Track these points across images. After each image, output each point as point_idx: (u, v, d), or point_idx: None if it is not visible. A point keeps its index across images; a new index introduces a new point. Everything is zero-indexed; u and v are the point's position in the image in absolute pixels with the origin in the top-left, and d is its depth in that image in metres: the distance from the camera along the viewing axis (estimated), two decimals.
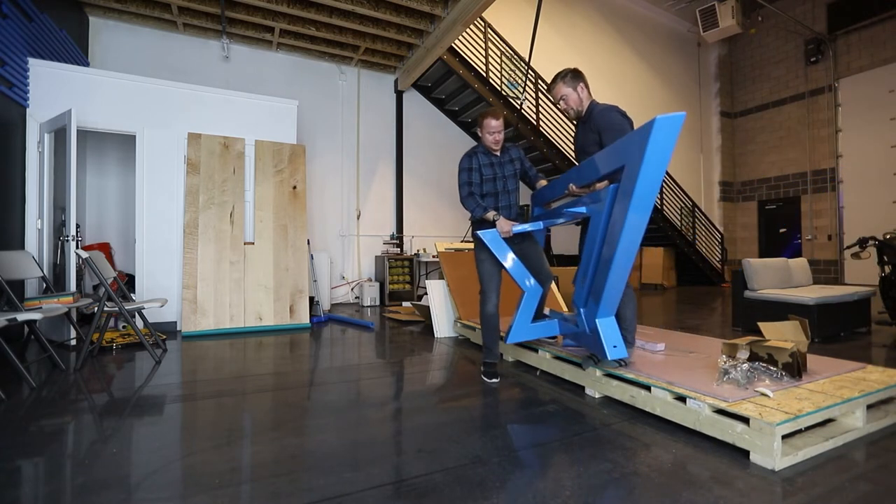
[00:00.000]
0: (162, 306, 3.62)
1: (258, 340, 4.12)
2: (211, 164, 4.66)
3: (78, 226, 4.26)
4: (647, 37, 10.46)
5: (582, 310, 2.30)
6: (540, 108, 7.61)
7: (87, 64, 5.34)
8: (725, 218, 11.37)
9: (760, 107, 11.01)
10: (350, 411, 2.30)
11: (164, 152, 4.61)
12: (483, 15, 6.62)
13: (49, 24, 4.40)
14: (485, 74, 7.00)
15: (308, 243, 5.19)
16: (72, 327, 3.73)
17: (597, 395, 2.43)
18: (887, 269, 4.19)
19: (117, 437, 1.97)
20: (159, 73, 5.58)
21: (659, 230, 8.83)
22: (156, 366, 3.18)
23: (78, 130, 3.87)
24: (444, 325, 4.28)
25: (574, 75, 2.50)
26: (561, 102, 2.53)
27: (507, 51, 7.49)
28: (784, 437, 1.73)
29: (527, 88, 7.27)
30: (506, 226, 2.65)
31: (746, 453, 1.72)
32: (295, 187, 5.04)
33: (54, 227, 4.02)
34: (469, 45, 6.98)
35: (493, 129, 2.76)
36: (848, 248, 4.78)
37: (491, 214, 2.70)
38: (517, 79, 7.64)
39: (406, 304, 6.25)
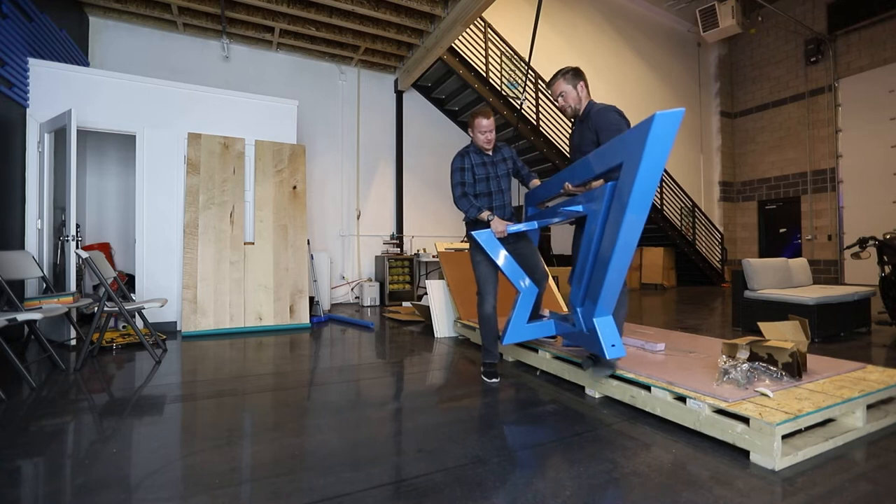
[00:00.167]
0: (162, 306, 3.62)
1: (258, 340, 4.12)
2: (211, 164, 4.66)
3: (78, 226, 4.26)
4: (647, 37, 10.45)
5: (579, 309, 2.29)
6: (540, 108, 7.61)
7: (87, 64, 5.34)
8: (725, 218, 11.37)
9: (760, 107, 11.01)
10: (350, 411, 2.30)
11: (164, 152, 4.61)
12: (483, 15, 6.62)
13: (49, 24, 4.40)
14: (485, 74, 7.00)
15: (308, 243, 5.19)
16: (72, 327, 3.73)
17: (597, 396, 2.43)
18: (887, 269, 4.19)
19: (117, 437, 1.97)
20: (159, 73, 5.58)
21: (659, 230, 8.83)
22: (156, 366, 3.18)
23: (78, 130, 3.87)
24: (444, 325, 4.28)
25: (575, 73, 2.50)
26: (559, 99, 2.53)
27: (507, 51, 7.49)
28: (784, 437, 1.73)
29: (527, 88, 7.26)
30: (500, 226, 2.63)
31: (746, 453, 1.72)
32: (295, 187, 5.04)
33: (54, 227, 4.02)
34: (469, 45, 6.98)
35: (485, 129, 2.75)
36: (848, 248, 4.78)
37: (485, 215, 2.68)
38: (517, 79, 7.64)
39: (406, 304, 6.25)
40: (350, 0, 5.36)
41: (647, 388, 2.17)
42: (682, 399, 2.01)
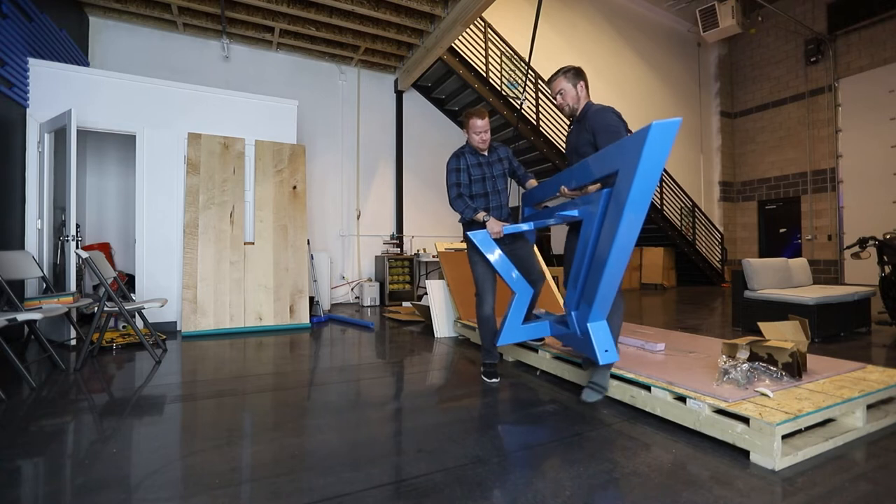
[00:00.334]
0: (162, 306, 3.62)
1: (258, 340, 4.12)
2: (211, 164, 4.66)
3: (78, 226, 4.26)
4: (647, 37, 10.45)
5: (573, 313, 2.29)
6: (540, 108, 7.61)
7: (87, 64, 5.34)
8: (725, 218, 11.37)
9: (760, 107, 11.01)
10: (350, 411, 2.30)
11: (164, 152, 4.61)
12: (483, 15, 6.62)
13: (49, 24, 4.40)
14: (485, 74, 7.00)
15: (308, 243, 5.19)
16: (72, 327, 3.73)
17: None
18: (887, 269, 4.19)
19: (117, 437, 1.97)
20: (159, 73, 5.58)
21: (659, 230, 8.83)
22: (156, 366, 3.18)
23: (78, 130, 3.87)
24: (444, 325, 4.28)
25: (576, 73, 2.49)
26: (558, 97, 2.52)
27: (507, 51, 7.49)
28: (784, 437, 1.73)
29: (527, 88, 7.26)
30: (496, 226, 2.62)
31: (746, 453, 1.72)
32: (295, 187, 5.04)
33: (54, 227, 4.02)
34: (469, 45, 6.98)
35: (480, 129, 2.73)
36: (848, 248, 4.78)
37: (481, 215, 2.67)
38: (517, 79, 7.64)
39: (406, 304, 6.25)
40: (350, 0, 5.37)
41: (647, 388, 2.17)
42: (682, 399, 2.01)
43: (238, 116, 4.96)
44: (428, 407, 2.36)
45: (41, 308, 2.99)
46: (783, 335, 2.90)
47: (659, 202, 8.96)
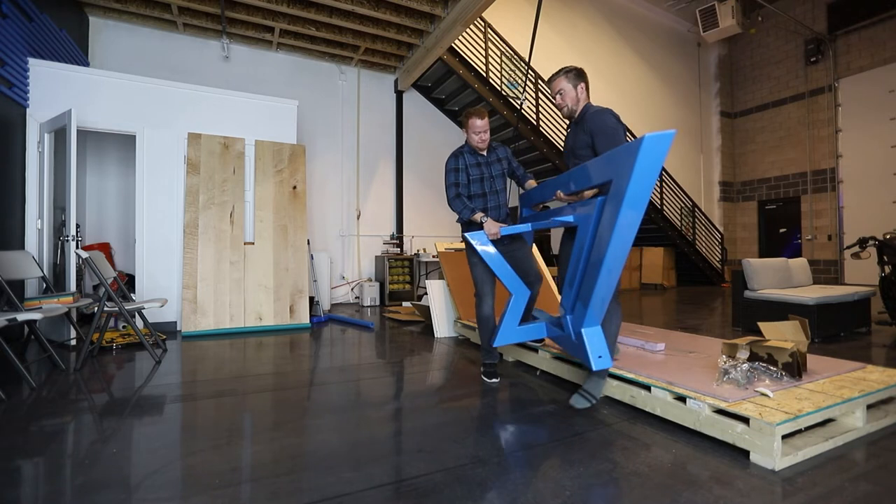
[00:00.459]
0: (162, 306, 3.62)
1: (258, 340, 4.12)
2: (211, 164, 4.66)
3: (78, 226, 4.26)
4: (647, 37, 10.45)
5: (568, 317, 2.28)
6: (540, 109, 7.61)
7: (87, 64, 5.34)
8: (725, 218, 11.37)
9: (760, 107, 11.01)
10: (350, 411, 2.30)
11: (164, 152, 4.61)
12: (483, 15, 6.62)
13: (49, 24, 4.40)
14: (485, 74, 7.00)
15: (308, 243, 5.19)
16: (72, 327, 3.73)
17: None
18: (887, 269, 4.19)
19: (117, 437, 1.97)
20: (159, 73, 5.58)
21: (659, 230, 8.82)
22: (156, 366, 3.18)
23: (78, 130, 3.87)
24: (444, 325, 4.28)
25: (578, 74, 2.49)
26: (557, 97, 2.51)
27: (507, 51, 7.49)
28: (784, 437, 1.73)
29: (527, 88, 7.26)
30: (493, 227, 2.61)
31: (746, 453, 1.72)
32: (295, 187, 5.04)
33: (54, 227, 4.02)
34: (469, 45, 6.98)
35: (479, 129, 2.73)
36: (848, 248, 4.78)
37: (479, 216, 2.66)
38: (517, 79, 7.64)
39: (406, 304, 6.25)
40: (350, 0, 5.37)
41: (647, 388, 2.17)
42: (682, 399, 2.01)
43: (238, 116, 4.96)
44: (428, 407, 2.36)
45: (41, 308, 2.99)
46: (783, 335, 2.90)
47: (659, 202, 8.96)
